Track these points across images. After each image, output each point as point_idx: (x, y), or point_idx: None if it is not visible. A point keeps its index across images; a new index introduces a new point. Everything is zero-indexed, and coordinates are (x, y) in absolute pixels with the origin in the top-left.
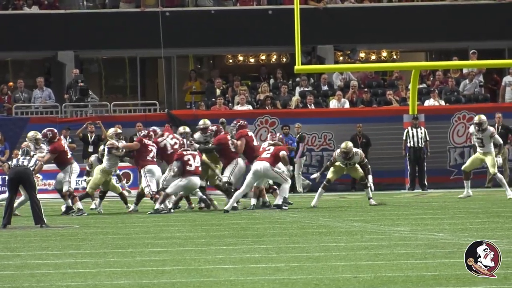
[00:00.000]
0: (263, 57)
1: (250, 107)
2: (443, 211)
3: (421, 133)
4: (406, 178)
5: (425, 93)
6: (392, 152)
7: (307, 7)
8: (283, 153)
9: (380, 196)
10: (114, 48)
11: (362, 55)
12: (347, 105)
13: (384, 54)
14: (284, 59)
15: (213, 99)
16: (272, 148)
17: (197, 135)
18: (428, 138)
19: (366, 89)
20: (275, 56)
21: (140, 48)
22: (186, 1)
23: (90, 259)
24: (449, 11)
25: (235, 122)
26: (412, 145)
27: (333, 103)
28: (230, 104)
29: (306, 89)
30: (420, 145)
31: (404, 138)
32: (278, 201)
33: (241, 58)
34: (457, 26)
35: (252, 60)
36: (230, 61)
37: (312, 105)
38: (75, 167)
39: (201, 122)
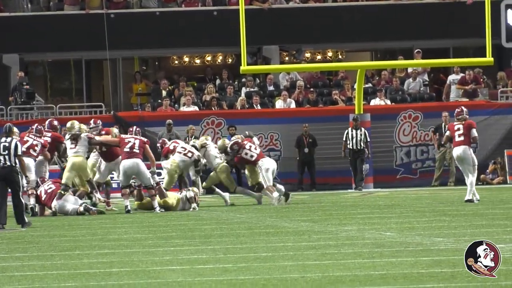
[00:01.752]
0: (209, 58)
1: (196, 108)
2: (389, 210)
3: (361, 134)
4: (353, 178)
5: (371, 92)
6: (339, 152)
7: (252, 8)
8: None
9: (327, 195)
10: (59, 51)
11: (307, 55)
12: (293, 105)
13: (330, 54)
14: (230, 60)
15: (159, 101)
16: None
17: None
18: (368, 139)
19: (312, 89)
20: (220, 57)
21: (85, 50)
22: (131, 3)
23: (37, 262)
24: (394, 11)
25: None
26: (351, 147)
27: (279, 104)
28: (176, 105)
29: (252, 89)
30: (359, 146)
31: (344, 139)
32: None
33: (186, 59)
34: (401, 26)
35: (197, 61)
36: (176, 62)
37: (258, 105)
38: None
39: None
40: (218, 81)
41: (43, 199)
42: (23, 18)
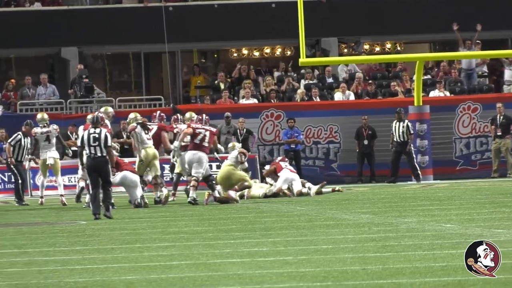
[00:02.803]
0: (268, 51)
1: (255, 100)
2: (449, 202)
3: (403, 126)
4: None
5: (430, 84)
6: None
7: (311, 0)
8: None
9: (387, 187)
10: (118, 44)
11: (366, 47)
12: (352, 97)
13: (388, 45)
14: (289, 52)
15: (218, 93)
16: None
17: None
18: (411, 131)
19: (370, 81)
20: (279, 50)
21: (144, 43)
22: None
23: (98, 255)
24: (454, 2)
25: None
26: (396, 139)
27: (338, 96)
28: (235, 98)
29: (311, 81)
30: (402, 139)
31: (392, 132)
32: None
33: (245, 51)
34: (461, 17)
35: (256, 53)
36: (235, 55)
37: (318, 97)
38: None
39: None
40: (276, 74)
41: None
42: (82, 11)
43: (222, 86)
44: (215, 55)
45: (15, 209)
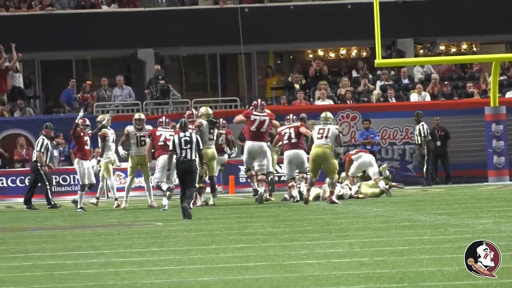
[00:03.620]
0: (343, 52)
1: (331, 102)
2: None
3: (419, 129)
4: (489, 171)
5: (506, 85)
6: (474, 145)
7: (387, 1)
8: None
9: (463, 189)
10: (194, 45)
11: (442, 47)
12: (428, 98)
13: (464, 46)
14: (364, 53)
15: (294, 94)
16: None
17: None
18: (424, 134)
19: (446, 82)
20: (355, 51)
21: (219, 44)
22: None
23: (174, 256)
24: None
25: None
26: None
27: (414, 97)
28: (311, 99)
29: (387, 82)
30: (418, 141)
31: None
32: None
33: (321, 53)
34: None
35: (332, 54)
36: (310, 56)
37: (393, 98)
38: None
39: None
40: (353, 74)
41: None
42: (158, 12)
43: (297, 87)
44: (291, 56)
45: (93, 211)
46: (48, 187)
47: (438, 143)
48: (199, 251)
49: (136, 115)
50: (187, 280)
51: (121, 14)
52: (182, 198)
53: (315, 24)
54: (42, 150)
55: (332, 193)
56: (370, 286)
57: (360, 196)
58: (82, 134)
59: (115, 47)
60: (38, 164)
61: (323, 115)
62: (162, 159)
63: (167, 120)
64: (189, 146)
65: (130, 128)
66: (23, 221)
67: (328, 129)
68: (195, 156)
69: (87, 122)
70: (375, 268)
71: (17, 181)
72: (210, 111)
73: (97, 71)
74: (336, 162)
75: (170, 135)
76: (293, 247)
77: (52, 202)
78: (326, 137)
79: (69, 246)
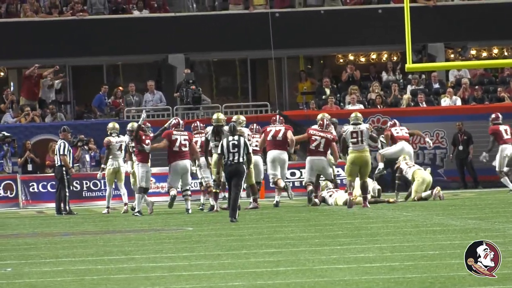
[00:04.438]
0: (374, 56)
1: (361, 106)
2: None
3: None
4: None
5: None
6: None
7: (417, 5)
8: None
9: (493, 193)
10: (224, 50)
11: (473, 52)
12: (458, 103)
13: (495, 51)
14: (395, 58)
15: (324, 97)
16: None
17: None
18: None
19: (477, 87)
20: (385, 55)
21: (250, 49)
22: (295, 2)
23: (204, 261)
24: None
25: None
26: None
27: (445, 101)
28: (342, 103)
29: (417, 87)
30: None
31: None
32: None
33: (351, 57)
34: None
35: (362, 59)
36: (341, 60)
37: (424, 103)
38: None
39: None
40: (383, 78)
41: None
42: (188, 18)
43: (327, 91)
44: (321, 61)
45: (123, 216)
46: (67, 193)
47: (461, 147)
48: (229, 256)
49: (110, 125)
50: (217, 285)
51: (152, 19)
52: (229, 200)
53: (346, 28)
54: (66, 153)
55: (365, 198)
56: None
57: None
58: (143, 137)
59: (146, 52)
60: (64, 169)
61: (353, 115)
62: (175, 165)
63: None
64: (236, 150)
65: (112, 139)
66: (54, 226)
67: (361, 131)
68: (243, 159)
69: (148, 124)
70: (406, 273)
71: (48, 186)
72: (243, 118)
73: (127, 77)
74: (370, 167)
75: (185, 140)
76: (323, 251)
77: (66, 209)
78: (362, 141)
79: (100, 251)
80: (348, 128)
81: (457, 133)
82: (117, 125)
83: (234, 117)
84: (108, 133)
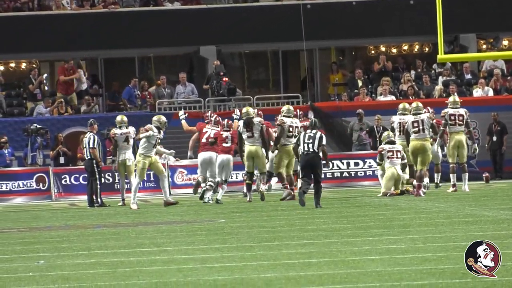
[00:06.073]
0: (405, 47)
1: (393, 97)
2: None
3: None
4: None
5: None
6: None
7: None
8: None
9: None
10: (256, 42)
11: (505, 43)
12: (491, 93)
13: None
14: (427, 49)
15: (356, 90)
16: None
17: None
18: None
19: (509, 77)
20: (417, 46)
21: (282, 41)
22: None
23: (237, 253)
24: None
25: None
26: None
27: (477, 92)
28: (373, 95)
29: (449, 78)
30: None
31: None
32: None
33: (383, 48)
34: None
35: (394, 50)
36: (372, 52)
37: (456, 94)
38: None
39: None
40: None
41: None
42: (220, 10)
43: (359, 83)
44: (353, 52)
45: (154, 208)
46: (99, 186)
47: (494, 138)
48: (261, 248)
49: (118, 118)
50: (249, 277)
51: (183, 11)
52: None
53: (377, 19)
54: (95, 146)
55: (419, 186)
56: (433, 282)
57: None
58: (204, 130)
59: (178, 44)
60: (94, 161)
61: (414, 105)
62: (202, 155)
63: (217, 118)
64: (311, 140)
65: (116, 131)
66: (86, 218)
67: (422, 120)
68: (317, 150)
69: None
70: (438, 264)
71: (80, 179)
72: (250, 110)
73: (159, 69)
74: (430, 155)
75: (215, 134)
76: (355, 243)
77: (97, 201)
78: (423, 129)
79: (132, 243)
80: (408, 118)
81: (491, 124)
82: (125, 118)
83: (244, 110)
84: (117, 126)
